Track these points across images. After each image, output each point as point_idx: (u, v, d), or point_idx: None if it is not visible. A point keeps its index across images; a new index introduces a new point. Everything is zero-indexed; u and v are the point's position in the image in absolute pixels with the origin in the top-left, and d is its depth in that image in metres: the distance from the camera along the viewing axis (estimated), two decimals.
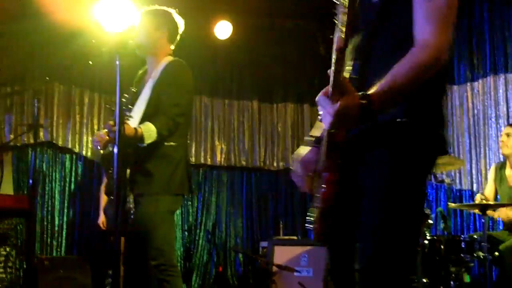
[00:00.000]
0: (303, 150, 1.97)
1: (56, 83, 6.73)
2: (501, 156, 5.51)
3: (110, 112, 3.18)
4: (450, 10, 1.59)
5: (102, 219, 5.83)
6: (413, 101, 1.63)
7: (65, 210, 6.86)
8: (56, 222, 6.77)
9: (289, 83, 7.99)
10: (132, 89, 3.37)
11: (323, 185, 1.72)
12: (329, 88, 1.51)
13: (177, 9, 3.65)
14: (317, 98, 1.55)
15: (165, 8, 3.59)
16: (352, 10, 1.35)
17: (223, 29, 6.79)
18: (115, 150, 2.19)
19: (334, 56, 1.44)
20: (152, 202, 3.29)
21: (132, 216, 3.29)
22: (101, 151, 3.35)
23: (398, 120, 1.64)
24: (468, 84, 6.43)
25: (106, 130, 3.24)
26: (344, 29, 1.37)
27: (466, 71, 6.46)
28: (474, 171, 6.23)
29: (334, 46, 1.42)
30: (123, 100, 3.06)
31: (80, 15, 5.30)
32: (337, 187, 1.70)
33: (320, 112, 1.56)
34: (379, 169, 1.68)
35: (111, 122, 3.15)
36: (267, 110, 7.94)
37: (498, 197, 5.22)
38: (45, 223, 6.69)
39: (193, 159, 7.42)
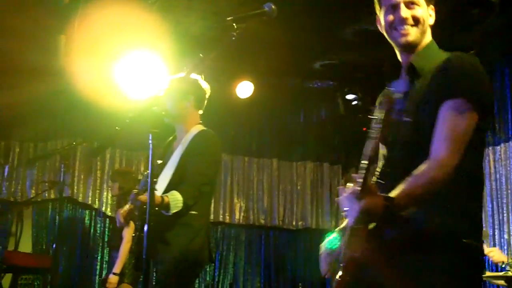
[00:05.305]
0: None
1: (79, 139, 6.81)
2: None
3: (136, 181, 3.17)
4: (464, 133, 1.80)
5: None
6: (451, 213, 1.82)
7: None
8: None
9: (308, 141, 8.01)
10: (158, 161, 3.34)
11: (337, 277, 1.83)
12: (355, 189, 1.71)
13: (203, 75, 3.66)
14: (341, 198, 1.75)
15: (191, 75, 3.59)
16: (387, 125, 1.65)
17: (244, 89, 6.87)
18: (145, 228, 2.17)
19: (365, 162, 1.68)
20: (169, 271, 3.24)
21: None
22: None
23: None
24: (490, 148, 6.37)
25: (129, 203, 3.24)
26: (375, 140, 1.66)
27: (488, 135, 6.41)
28: (497, 237, 6.08)
29: (366, 153, 1.65)
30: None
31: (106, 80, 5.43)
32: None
33: (345, 209, 1.74)
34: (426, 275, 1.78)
35: (135, 191, 3.15)
36: (287, 168, 7.93)
37: None
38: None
39: (211, 217, 7.37)
